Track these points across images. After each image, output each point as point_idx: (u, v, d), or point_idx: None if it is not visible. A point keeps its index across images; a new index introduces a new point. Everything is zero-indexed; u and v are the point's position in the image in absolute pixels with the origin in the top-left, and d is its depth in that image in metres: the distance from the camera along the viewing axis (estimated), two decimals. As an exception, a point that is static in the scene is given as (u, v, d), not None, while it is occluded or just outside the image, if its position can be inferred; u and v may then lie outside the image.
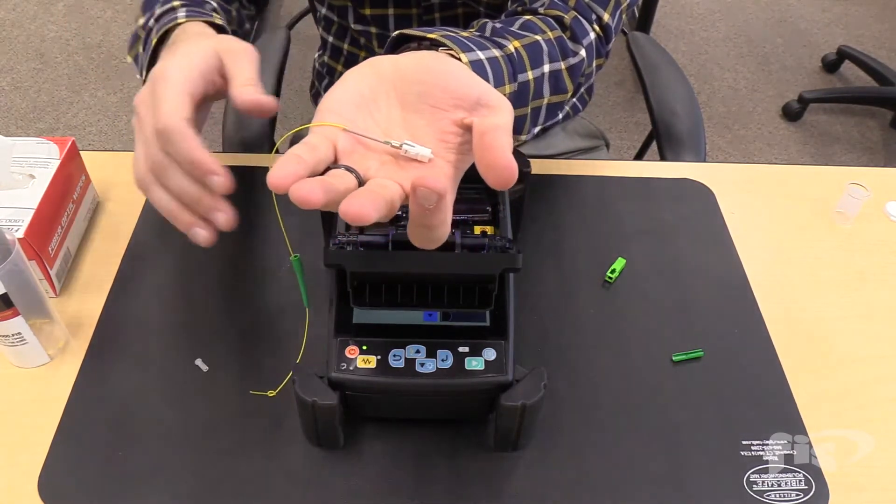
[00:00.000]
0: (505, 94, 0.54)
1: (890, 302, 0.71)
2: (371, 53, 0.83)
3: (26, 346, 0.59)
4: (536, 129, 0.64)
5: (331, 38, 0.88)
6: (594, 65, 0.67)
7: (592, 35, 0.65)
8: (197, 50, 0.55)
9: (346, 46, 0.86)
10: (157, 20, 0.64)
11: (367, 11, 0.78)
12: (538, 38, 0.60)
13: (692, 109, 0.99)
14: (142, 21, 0.67)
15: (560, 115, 0.62)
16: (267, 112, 0.53)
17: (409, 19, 0.78)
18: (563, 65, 0.62)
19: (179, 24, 0.62)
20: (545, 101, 0.62)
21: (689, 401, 0.61)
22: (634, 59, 1.08)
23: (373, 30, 0.80)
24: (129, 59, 0.70)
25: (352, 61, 0.86)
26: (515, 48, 0.58)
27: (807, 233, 0.77)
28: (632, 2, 0.69)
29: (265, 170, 0.79)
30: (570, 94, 0.64)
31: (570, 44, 0.63)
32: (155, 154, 0.51)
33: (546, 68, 0.60)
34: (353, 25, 0.81)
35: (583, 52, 0.64)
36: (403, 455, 0.57)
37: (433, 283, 0.53)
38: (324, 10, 0.84)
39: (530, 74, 0.59)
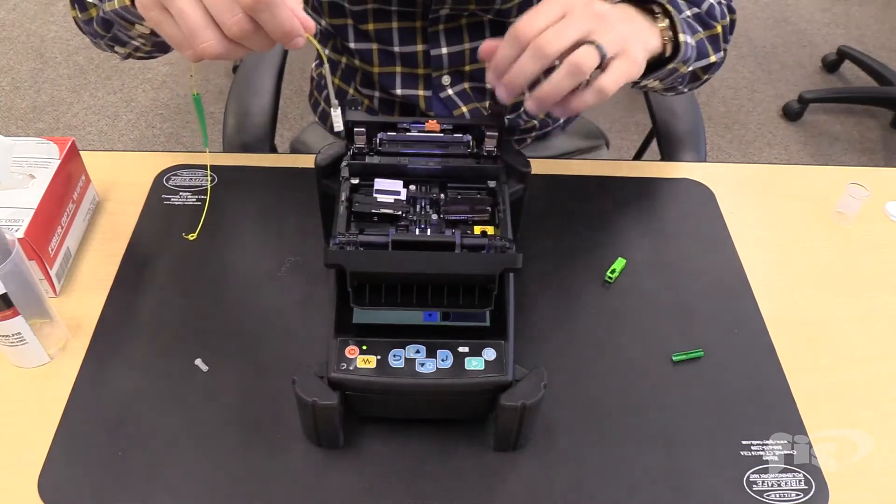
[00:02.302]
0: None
1: (890, 302, 0.71)
2: (369, 67, 0.83)
3: (26, 346, 0.59)
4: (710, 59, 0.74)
5: (328, 51, 0.88)
6: (728, 19, 0.77)
7: None
8: None
9: (343, 59, 0.85)
10: None
11: (371, 27, 0.78)
12: None
13: (692, 109, 0.99)
14: None
15: (716, 55, 0.75)
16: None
17: (413, 32, 0.78)
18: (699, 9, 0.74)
19: None
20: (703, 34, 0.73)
21: (689, 400, 0.61)
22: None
23: (374, 46, 0.80)
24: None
25: (350, 73, 0.86)
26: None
27: (807, 233, 0.77)
28: None
29: (265, 170, 0.80)
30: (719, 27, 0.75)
31: None
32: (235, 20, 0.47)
33: (688, 12, 0.71)
34: (352, 45, 0.81)
35: None
36: (403, 455, 0.57)
37: (433, 283, 0.53)
38: (323, 24, 0.83)
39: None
